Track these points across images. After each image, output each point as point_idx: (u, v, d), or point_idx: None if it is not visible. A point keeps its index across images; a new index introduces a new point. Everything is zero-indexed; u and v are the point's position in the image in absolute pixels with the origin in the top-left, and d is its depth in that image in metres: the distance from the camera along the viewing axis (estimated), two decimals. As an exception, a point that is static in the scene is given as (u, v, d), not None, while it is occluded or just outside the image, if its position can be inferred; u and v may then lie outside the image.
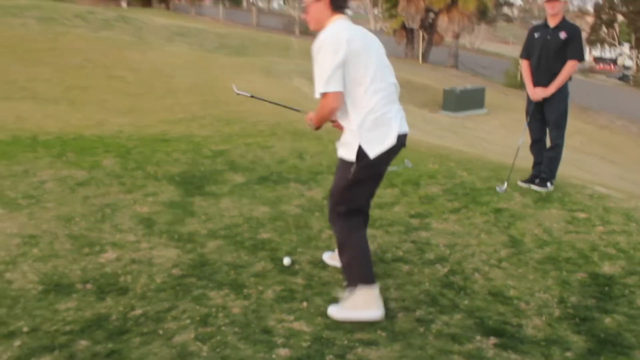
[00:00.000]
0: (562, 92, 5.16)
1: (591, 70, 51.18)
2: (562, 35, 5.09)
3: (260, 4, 58.80)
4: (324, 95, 2.78)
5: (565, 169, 10.04)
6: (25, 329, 2.80)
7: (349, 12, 3.05)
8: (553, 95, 5.15)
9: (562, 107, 5.20)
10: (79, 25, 18.20)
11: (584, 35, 49.25)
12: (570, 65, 5.08)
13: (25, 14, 18.84)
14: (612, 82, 41.71)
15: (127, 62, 13.61)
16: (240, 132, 7.78)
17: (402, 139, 2.92)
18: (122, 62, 13.53)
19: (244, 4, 59.55)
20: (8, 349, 2.62)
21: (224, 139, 7.32)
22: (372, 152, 2.82)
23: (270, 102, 3.75)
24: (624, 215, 4.80)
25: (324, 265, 3.58)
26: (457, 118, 17.99)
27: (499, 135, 14.50)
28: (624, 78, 45.72)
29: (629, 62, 47.85)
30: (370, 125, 2.82)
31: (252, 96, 3.50)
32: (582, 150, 16.42)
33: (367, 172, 2.88)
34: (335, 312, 2.93)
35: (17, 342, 2.68)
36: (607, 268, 3.72)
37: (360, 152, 2.82)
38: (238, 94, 3.80)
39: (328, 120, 2.95)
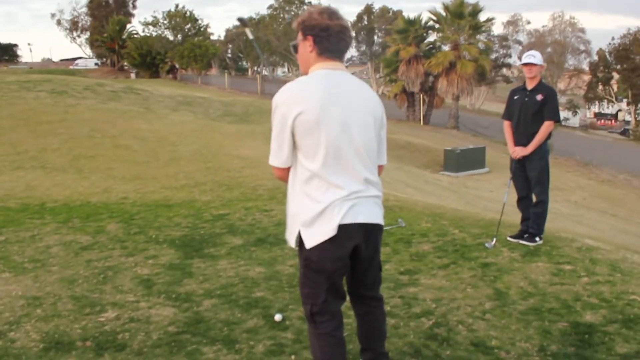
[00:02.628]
0: (542, 150, 5.42)
1: (592, 127, 51.80)
2: (539, 97, 5.39)
3: (265, 72, 60.56)
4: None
5: (566, 224, 10.19)
6: (26, 385, 2.95)
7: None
8: (533, 154, 5.40)
9: (542, 164, 5.44)
10: (89, 97, 18.88)
11: (581, 92, 49.70)
12: (547, 126, 5.35)
13: (38, 88, 19.60)
14: (612, 137, 42.16)
15: (134, 131, 14.08)
16: (241, 196, 8.03)
17: (352, 231, 2.48)
18: (129, 131, 14.00)
19: (249, 72, 61.37)
20: (9, 404, 2.77)
21: (224, 203, 7.57)
22: (309, 242, 2.46)
23: None
24: (609, 266, 4.94)
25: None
26: (458, 178, 18.27)
27: (499, 194, 14.67)
28: (625, 133, 46.25)
29: (628, 117, 48.45)
30: (316, 215, 2.45)
31: None
32: (583, 206, 16.56)
33: (311, 267, 2.49)
34: None
35: (18, 397, 2.83)
36: (588, 317, 3.85)
37: (300, 240, 2.49)
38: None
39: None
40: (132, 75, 51.97)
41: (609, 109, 57.66)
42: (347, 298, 2.74)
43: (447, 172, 18.76)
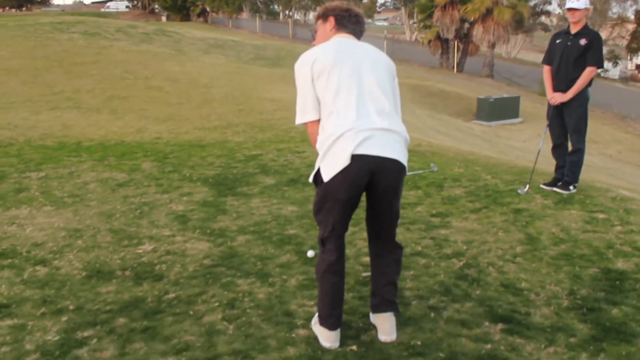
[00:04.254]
0: (581, 97, 5.28)
1: (633, 79, 49.99)
2: (582, 41, 5.21)
3: (297, 16, 59.62)
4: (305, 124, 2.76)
5: (600, 177, 10.04)
6: (71, 307, 3.10)
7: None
8: (572, 100, 5.27)
9: (580, 111, 5.31)
10: (121, 39, 18.92)
11: (624, 43, 47.57)
12: (589, 72, 5.19)
13: (71, 30, 19.71)
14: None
15: (166, 73, 14.12)
16: (273, 138, 8.08)
17: (365, 162, 2.58)
18: (161, 73, 14.05)
19: (281, 16, 60.47)
20: (57, 323, 2.93)
21: (256, 144, 7.62)
22: (326, 175, 2.62)
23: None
24: (644, 216, 4.88)
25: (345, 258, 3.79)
26: (491, 127, 17.98)
27: (532, 144, 14.46)
28: (668, 85, 44.49)
29: (672, 70, 46.48)
30: (329, 146, 2.61)
31: None
32: (619, 159, 16.21)
33: (325, 196, 2.66)
34: (313, 319, 2.91)
35: (64, 318, 2.99)
36: (620, 264, 3.84)
37: (318, 175, 2.68)
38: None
39: None
40: (163, 19, 51.71)
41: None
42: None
43: (480, 121, 18.47)
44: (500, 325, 2.97)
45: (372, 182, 2.64)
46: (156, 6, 55.73)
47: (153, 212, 4.80)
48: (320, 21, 2.92)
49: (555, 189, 5.49)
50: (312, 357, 2.62)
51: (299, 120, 2.75)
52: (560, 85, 5.38)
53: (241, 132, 8.52)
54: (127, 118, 9.79)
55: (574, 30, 5.33)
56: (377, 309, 2.87)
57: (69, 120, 9.55)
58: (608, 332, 2.95)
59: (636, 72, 55.79)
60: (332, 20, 2.86)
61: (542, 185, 5.60)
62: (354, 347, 2.71)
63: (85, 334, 2.83)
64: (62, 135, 8.43)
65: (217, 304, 3.15)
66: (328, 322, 2.73)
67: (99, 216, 4.69)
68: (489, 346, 2.76)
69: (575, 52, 5.26)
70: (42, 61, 14.83)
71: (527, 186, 5.49)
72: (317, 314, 2.86)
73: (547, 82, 5.52)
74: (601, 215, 4.83)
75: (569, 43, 5.32)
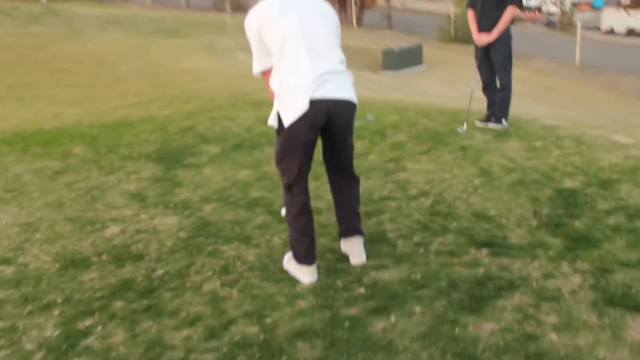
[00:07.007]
0: (505, 36, 5.57)
1: (519, 19, 52.33)
2: (501, -17, 5.44)
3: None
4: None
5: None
6: (59, 300, 2.96)
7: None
8: (497, 40, 5.54)
9: (505, 49, 5.60)
10: (6, 22, 17.60)
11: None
12: (509, 11, 5.46)
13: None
14: (539, 29, 42.96)
15: (67, 54, 13.35)
16: (200, 108, 7.89)
17: (322, 105, 2.77)
18: (62, 54, 13.26)
19: (168, -14, 58.01)
20: (50, 318, 2.79)
21: (186, 116, 7.43)
22: (287, 120, 2.79)
23: None
24: (574, 140, 5.28)
25: (320, 211, 3.85)
26: (399, 76, 18.43)
27: (440, 89, 15.02)
28: (549, 24, 47.08)
29: (552, 9, 49.14)
30: (284, 92, 2.78)
31: None
32: (520, 95, 17.01)
33: (288, 141, 2.84)
34: (285, 259, 3.13)
35: (56, 312, 2.85)
36: (568, 183, 4.16)
37: (279, 119, 2.85)
38: None
39: None
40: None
41: (534, 2, 58.08)
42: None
43: (387, 71, 18.87)
44: (485, 250, 3.16)
45: (328, 122, 2.84)
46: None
47: (105, 195, 4.61)
48: None
49: (489, 124, 5.79)
50: (326, 305, 2.68)
51: (254, 70, 2.98)
52: (485, 26, 5.61)
53: (166, 106, 8.26)
54: (37, 105, 9.21)
55: (493, -28, 5.55)
56: (345, 234, 3.16)
57: (-29, 114, 8.85)
58: (578, 241, 3.22)
59: (521, 13, 58.12)
60: None
61: (477, 123, 5.88)
62: (362, 290, 2.80)
63: (86, 323, 2.72)
64: (-31, 130, 7.82)
65: (210, 272, 3.13)
66: (307, 258, 2.93)
67: (48, 207, 4.45)
68: (482, 270, 2.94)
69: (495, -6, 5.49)
70: None
71: (465, 125, 5.75)
72: (288, 255, 3.07)
73: (472, 24, 5.74)
74: (538, 143, 5.16)
75: (489, -15, 5.54)
